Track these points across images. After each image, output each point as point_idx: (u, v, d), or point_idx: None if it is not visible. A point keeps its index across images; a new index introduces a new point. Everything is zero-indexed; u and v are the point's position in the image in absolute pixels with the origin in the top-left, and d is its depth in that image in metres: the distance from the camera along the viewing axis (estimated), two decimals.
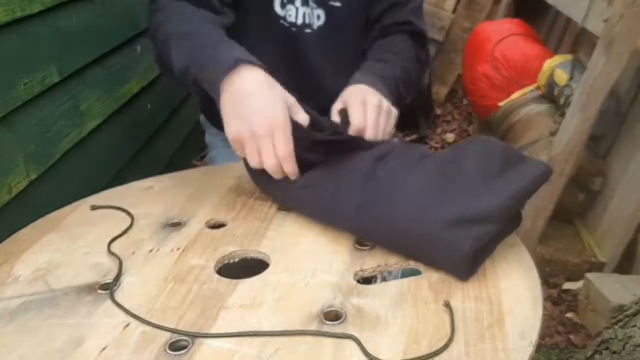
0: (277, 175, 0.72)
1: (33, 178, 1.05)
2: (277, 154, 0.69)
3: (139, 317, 0.57)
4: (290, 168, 0.71)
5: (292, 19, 0.95)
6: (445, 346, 0.52)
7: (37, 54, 1.07)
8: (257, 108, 0.70)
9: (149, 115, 1.66)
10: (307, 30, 0.96)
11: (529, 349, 0.51)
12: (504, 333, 0.53)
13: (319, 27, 0.96)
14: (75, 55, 1.20)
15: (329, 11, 0.96)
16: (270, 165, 0.70)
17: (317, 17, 0.96)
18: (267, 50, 0.93)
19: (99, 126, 1.31)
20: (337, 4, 0.96)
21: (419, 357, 0.50)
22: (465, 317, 0.56)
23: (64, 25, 1.16)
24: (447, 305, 0.57)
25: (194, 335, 0.55)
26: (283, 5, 0.95)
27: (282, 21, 0.95)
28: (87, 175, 1.27)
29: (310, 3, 0.96)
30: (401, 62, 0.95)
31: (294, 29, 0.96)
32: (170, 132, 1.86)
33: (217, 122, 1.16)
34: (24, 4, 1.01)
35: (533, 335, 0.53)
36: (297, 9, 0.95)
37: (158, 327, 0.56)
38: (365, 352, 0.51)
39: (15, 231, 0.76)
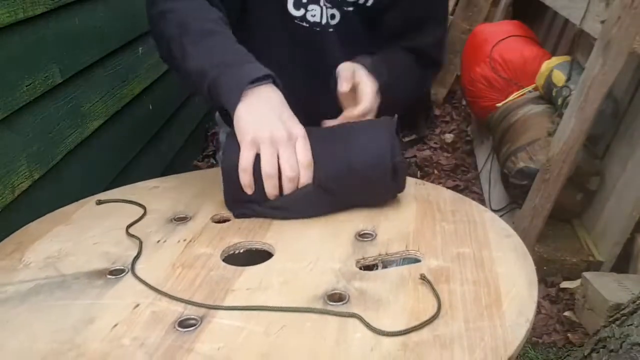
0: (290, 185, 0.72)
1: (36, 178, 1.06)
2: (299, 161, 0.71)
3: (157, 289, 0.60)
4: (309, 177, 0.72)
5: (315, 18, 0.94)
6: (436, 315, 0.54)
7: (40, 55, 1.08)
8: (281, 119, 0.72)
9: (151, 116, 1.66)
10: (330, 30, 0.95)
11: (525, 325, 0.54)
12: (502, 312, 0.56)
13: (335, 26, 0.95)
14: (78, 56, 1.21)
15: (343, 14, 0.95)
16: (289, 173, 0.71)
17: (330, 17, 0.95)
18: (280, 51, 0.94)
19: (101, 127, 1.32)
20: (350, 8, 0.94)
21: (414, 327, 0.53)
22: (464, 299, 0.58)
23: (67, 26, 1.17)
24: (424, 277, 0.60)
25: (206, 307, 0.57)
26: (298, 6, 0.94)
27: (297, 21, 0.94)
28: (89, 175, 1.28)
29: (322, 2, 0.94)
30: (397, 64, 0.94)
31: (317, 29, 0.94)
32: (172, 133, 1.86)
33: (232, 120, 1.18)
34: (26, 5, 1.02)
35: (529, 314, 0.55)
36: (321, 8, 0.93)
37: (173, 298, 0.58)
38: (368, 326, 0.53)
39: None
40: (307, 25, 0.94)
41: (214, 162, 2.26)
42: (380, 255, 0.67)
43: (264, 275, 0.63)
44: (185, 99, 2.00)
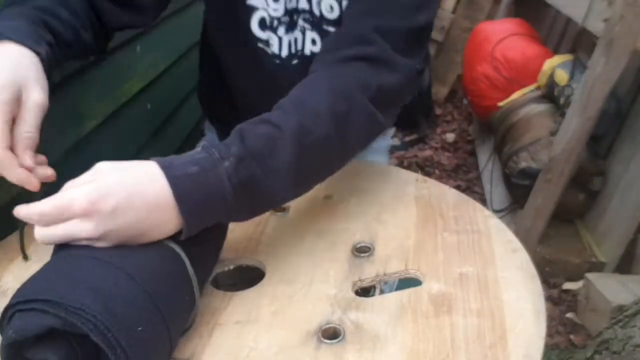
0: None
1: None
2: None
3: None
4: None
5: (274, 49, 0.80)
6: None
7: None
8: None
9: (149, 116, 1.65)
10: (295, 62, 0.80)
11: None
12: (507, 353, 0.52)
13: (314, 54, 0.76)
14: None
15: (324, 36, 0.78)
16: None
17: (311, 42, 0.79)
18: (247, 82, 0.85)
19: (98, 126, 1.31)
20: (331, 28, 0.77)
21: None
22: (467, 336, 0.54)
23: None
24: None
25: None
26: (264, 27, 0.78)
27: (261, 45, 0.80)
28: None
29: (301, 23, 0.78)
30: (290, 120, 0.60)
31: (277, 61, 0.80)
32: (170, 132, 1.85)
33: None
34: None
35: (537, 355, 0.51)
36: (280, 38, 0.78)
37: None
38: None
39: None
40: (270, 54, 0.80)
41: None
42: (377, 275, 0.64)
43: (254, 302, 0.60)
44: (184, 98, 1.99)
